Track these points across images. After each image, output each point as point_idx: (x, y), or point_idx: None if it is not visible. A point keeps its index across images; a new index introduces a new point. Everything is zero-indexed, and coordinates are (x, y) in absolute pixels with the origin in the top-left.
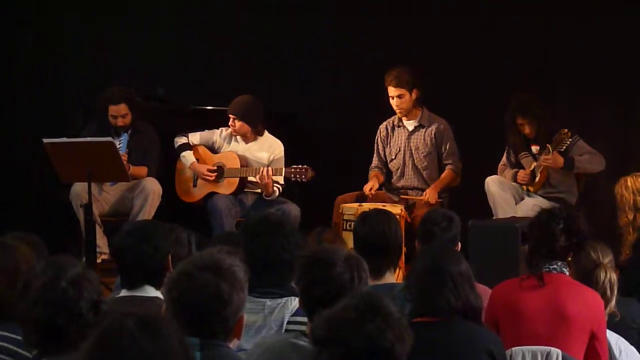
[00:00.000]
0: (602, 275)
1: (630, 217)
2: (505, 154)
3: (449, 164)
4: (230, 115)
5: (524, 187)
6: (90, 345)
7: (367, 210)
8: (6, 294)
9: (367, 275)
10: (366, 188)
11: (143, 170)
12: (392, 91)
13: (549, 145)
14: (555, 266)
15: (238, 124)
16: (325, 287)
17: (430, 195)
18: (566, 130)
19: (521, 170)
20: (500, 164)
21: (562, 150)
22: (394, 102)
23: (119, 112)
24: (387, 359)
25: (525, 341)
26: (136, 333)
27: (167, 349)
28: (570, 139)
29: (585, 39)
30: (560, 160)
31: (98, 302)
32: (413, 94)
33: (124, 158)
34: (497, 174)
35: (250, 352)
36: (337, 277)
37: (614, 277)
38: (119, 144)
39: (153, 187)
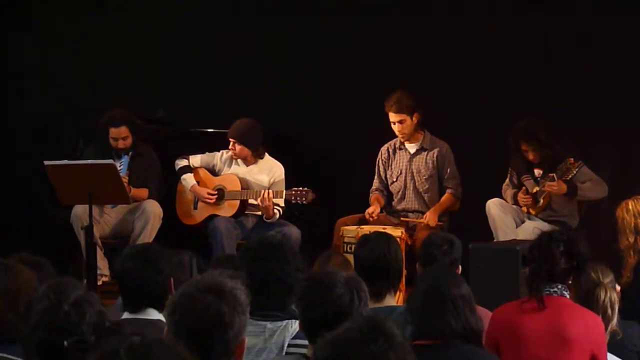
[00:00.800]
0: (603, 294)
1: (632, 240)
2: (508, 176)
3: (450, 187)
4: (231, 139)
5: (525, 209)
6: None
7: (368, 232)
8: (7, 317)
9: (367, 296)
10: (368, 212)
11: (144, 192)
12: (393, 117)
13: (553, 175)
14: (555, 289)
15: (238, 147)
16: (325, 309)
17: (430, 218)
18: (572, 160)
19: (521, 192)
20: (504, 185)
21: (568, 179)
22: (395, 128)
23: (120, 135)
24: None
25: None
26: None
27: None
28: (576, 170)
29: (585, 62)
30: (564, 187)
31: (100, 324)
32: (414, 118)
33: (125, 180)
34: (498, 197)
35: None
36: (337, 299)
37: (614, 296)
38: (120, 166)
39: (154, 209)
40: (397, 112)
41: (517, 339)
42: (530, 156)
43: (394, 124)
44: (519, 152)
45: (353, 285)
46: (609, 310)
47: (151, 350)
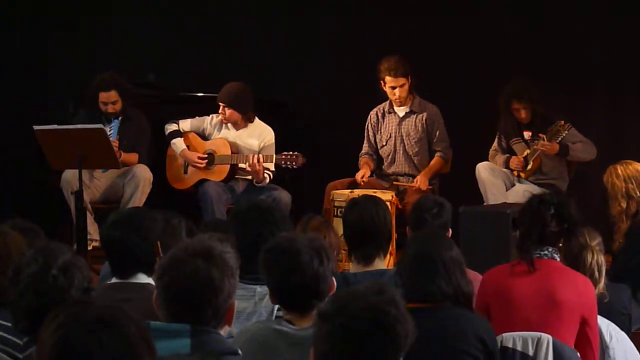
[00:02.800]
0: (590, 257)
1: (624, 205)
2: (496, 140)
3: (439, 150)
4: (220, 103)
5: (515, 173)
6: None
7: (357, 196)
8: None
9: (332, 255)
10: (358, 176)
11: (134, 157)
12: (392, 81)
13: (542, 135)
14: (546, 252)
15: (228, 111)
16: (297, 277)
17: (421, 182)
18: (563, 122)
19: (514, 157)
20: (491, 150)
21: (558, 141)
22: (395, 92)
23: (110, 99)
24: (388, 336)
25: (516, 327)
26: (95, 328)
27: (126, 344)
28: (566, 131)
29: (577, 27)
30: (556, 147)
31: (88, 289)
32: (409, 81)
33: (115, 145)
34: (487, 160)
35: (233, 341)
36: (307, 266)
37: (601, 258)
38: (110, 131)
39: (144, 174)
40: (396, 76)
41: (507, 302)
42: (522, 114)
43: (394, 88)
44: (509, 112)
45: (316, 247)
46: (596, 273)
47: (117, 320)
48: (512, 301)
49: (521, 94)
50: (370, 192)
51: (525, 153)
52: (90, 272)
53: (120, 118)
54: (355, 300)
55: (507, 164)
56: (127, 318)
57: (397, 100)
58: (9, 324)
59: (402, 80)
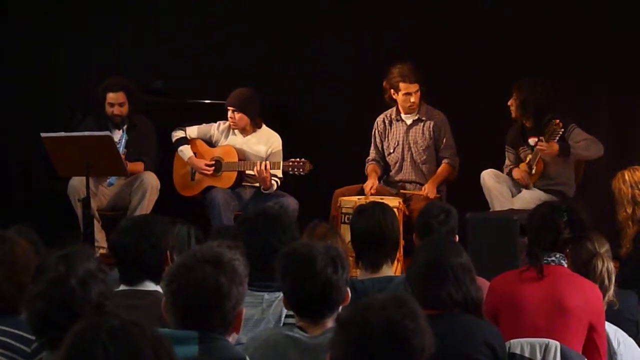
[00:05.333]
0: (600, 264)
1: (630, 210)
2: (506, 155)
3: (446, 157)
4: (230, 108)
5: (523, 181)
6: (63, 351)
7: (364, 203)
8: (4, 287)
9: (348, 263)
10: (367, 187)
11: (139, 166)
12: (407, 88)
13: (542, 138)
14: (554, 258)
15: (238, 116)
16: (312, 283)
17: (429, 190)
18: (558, 120)
19: (516, 169)
20: (504, 167)
21: (556, 140)
22: (409, 98)
23: (117, 100)
24: (402, 349)
25: (524, 333)
26: (108, 344)
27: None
28: (562, 130)
29: (584, 30)
30: (555, 147)
31: (101, 305)
32: (421, 88)
33: (122, 157)
34: (493, 168)
35: (245, 347)
36: (321, 272)
37: (611, 266)
38: (117, 143)
39: (151, 181)
40: (411, 82)
41: (515, 309)
42: (512, 112)
43: (409, 94)
44: (513, 118)
45: (333, 255)
46: (606, 280)
47: (132, 334)
48: (521, 308)
49: (515, 87)
50: (377, 198)
51: (528, 159)
52: (110, 285)
53: (125, 126)
54: (374, 311)
55: (510, 176)
56: (143, 333)
57: (411, 107)
58: (18, 332)
59: (416, 87)
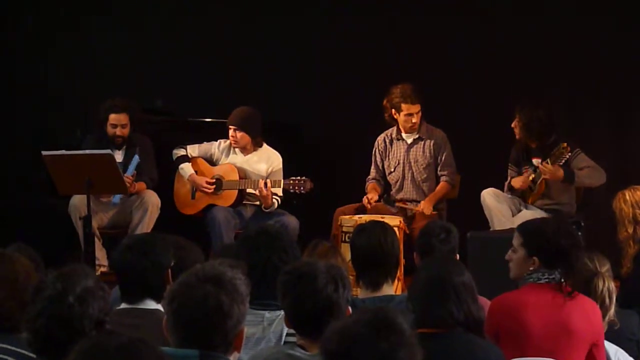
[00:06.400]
0: (601, 284)
1: (630, 230)
2: (509, 172)
3: (444, 175)
4: (231, 127)
5: (524, 185)
6: None
7: (365, 222)
8: (5, 305)
9: (349, 282)
10: (365, 199)
11: (142, 185)
12: (411, 108)
13: (548, 160)
14: (554, 276)
15: (239, 134)
16: (312, 301)
17: (424, 207)
18: (565, 144)
19: (518, 177)
20: (506, 183)
21: (562, 164)
22: (410, 119)
23: (120, 121)
24: None
25: (527, 353)
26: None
27: None
28: (569, 154)
29: (582, 50)
30: (560, 172)
31: (102, 322)
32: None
33: (129, 180)
34: (494, 186)
35: None
36: (322, 290)
37: (612, 285)
38: (128, 164)
39: (152, 199)
40: (413, 103)
41: (517, 329)
42: (516, 134)
43: (411, 115)
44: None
45: (334, 274)
46: (607, 300)
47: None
48: (523, 328)
49: (516, 112)
50: (378, 217)
51: (532, 177)
52: (108, 302)
53: (124, 147)
54: (365, 344)
55: (510, 189)
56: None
57: (412, 127)
58: (19, 350)
59: (418, 107)
